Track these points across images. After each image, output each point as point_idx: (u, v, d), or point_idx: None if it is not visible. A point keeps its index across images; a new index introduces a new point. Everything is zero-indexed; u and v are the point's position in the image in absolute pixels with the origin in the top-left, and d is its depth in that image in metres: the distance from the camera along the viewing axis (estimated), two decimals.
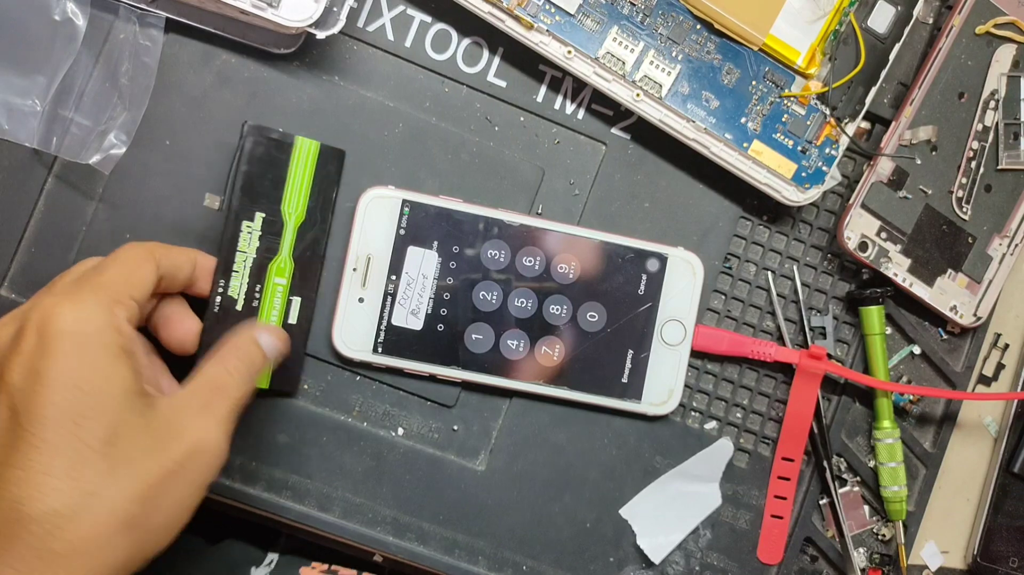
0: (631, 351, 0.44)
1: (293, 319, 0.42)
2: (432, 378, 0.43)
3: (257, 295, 0.41)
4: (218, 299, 0.40)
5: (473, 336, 0.43)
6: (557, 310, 0.43)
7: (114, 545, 0.32)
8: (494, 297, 0.43)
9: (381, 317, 0.42)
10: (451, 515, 0.44)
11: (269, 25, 0.40)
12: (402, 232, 0.42)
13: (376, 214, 0.42)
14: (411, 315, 0.42)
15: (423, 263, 0.42)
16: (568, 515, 0.45)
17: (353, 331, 0.42)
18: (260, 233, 0.41)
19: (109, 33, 0.41)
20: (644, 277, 0.44)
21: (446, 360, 0.43)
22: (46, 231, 0.42)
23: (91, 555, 0.31)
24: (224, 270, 0.40)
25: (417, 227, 0.42)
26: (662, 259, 0.44)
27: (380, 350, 0.42)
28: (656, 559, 0.45)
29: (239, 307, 0.40)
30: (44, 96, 0.40)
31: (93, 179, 0.42)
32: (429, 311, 0.42)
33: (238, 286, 0.41)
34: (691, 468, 0.45)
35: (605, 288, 0.43)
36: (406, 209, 0.42)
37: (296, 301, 0.42)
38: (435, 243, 0.42)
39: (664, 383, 0.44)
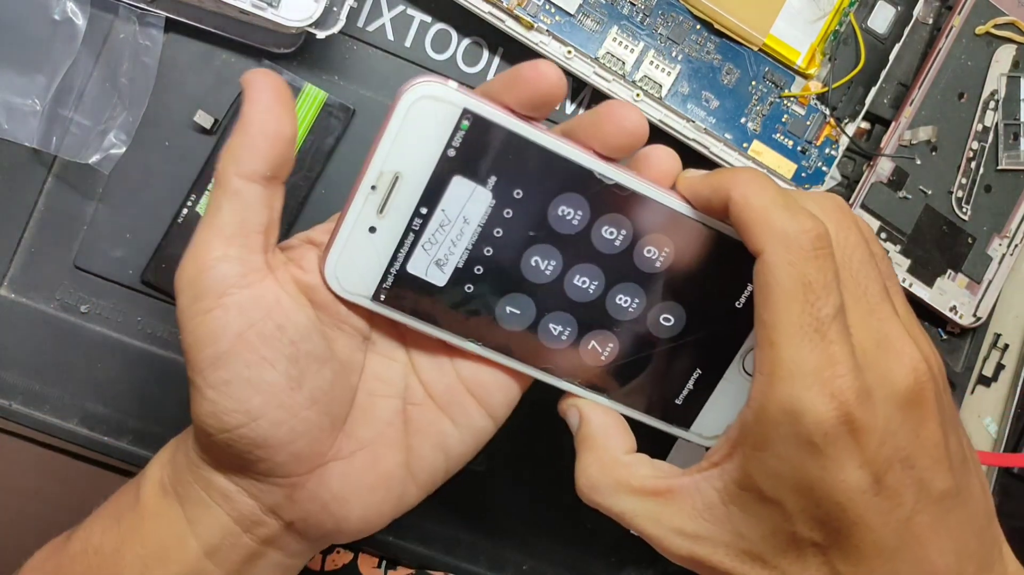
0: (699, 371, 0.34)
1: None
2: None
3: None
4: (184, 212, 0.42)
5: (508, 308, 0.32)
6: (625, 301, 0.32)
7: None
8: (550, 267, 0.32)
9: (394, 258, 0.31)
10: (451, 515, 0.44)
11: (269, 25, 0.40)
12: (451, 153, 0.30)
13: (420, 121, 0.30)
14: (434, 265, 0.31)
15: (469, 202, 0.31)
16: (569, 515, 0.45)
17: (353, 266, 0.31)
18: None
19: (109, 33, 0.41)
20: (749, 288, 0.32)
21: (465, 330, 0.32)
22: (46, 231, 0.42)
23: None
24: (199, 187, 0.42)
25: (473, 151, 0.30)
26: None
27: (382, 298, 0.32)
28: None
29: None
30: (44, 96, 0.40)
31: (93, 179, 0.42)
32: (460, 265, 0.31)
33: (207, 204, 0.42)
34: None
35: (695, 288, 0.32)
36: (464, 122, 0.30)
37: None
38: (492, 179, 0.30)
39: (724, 416, 0.34)
